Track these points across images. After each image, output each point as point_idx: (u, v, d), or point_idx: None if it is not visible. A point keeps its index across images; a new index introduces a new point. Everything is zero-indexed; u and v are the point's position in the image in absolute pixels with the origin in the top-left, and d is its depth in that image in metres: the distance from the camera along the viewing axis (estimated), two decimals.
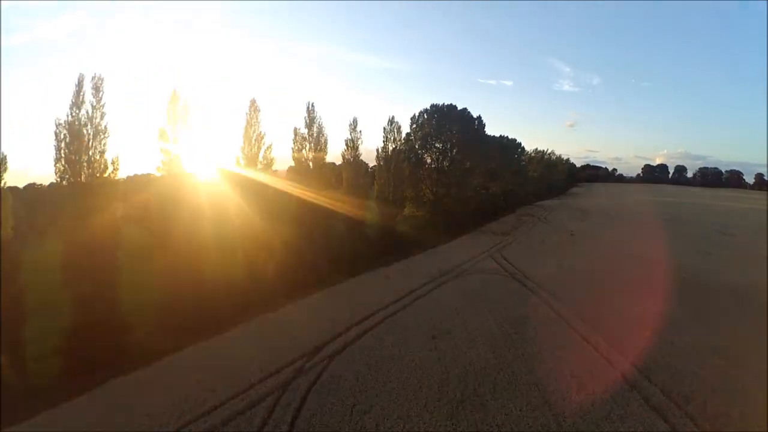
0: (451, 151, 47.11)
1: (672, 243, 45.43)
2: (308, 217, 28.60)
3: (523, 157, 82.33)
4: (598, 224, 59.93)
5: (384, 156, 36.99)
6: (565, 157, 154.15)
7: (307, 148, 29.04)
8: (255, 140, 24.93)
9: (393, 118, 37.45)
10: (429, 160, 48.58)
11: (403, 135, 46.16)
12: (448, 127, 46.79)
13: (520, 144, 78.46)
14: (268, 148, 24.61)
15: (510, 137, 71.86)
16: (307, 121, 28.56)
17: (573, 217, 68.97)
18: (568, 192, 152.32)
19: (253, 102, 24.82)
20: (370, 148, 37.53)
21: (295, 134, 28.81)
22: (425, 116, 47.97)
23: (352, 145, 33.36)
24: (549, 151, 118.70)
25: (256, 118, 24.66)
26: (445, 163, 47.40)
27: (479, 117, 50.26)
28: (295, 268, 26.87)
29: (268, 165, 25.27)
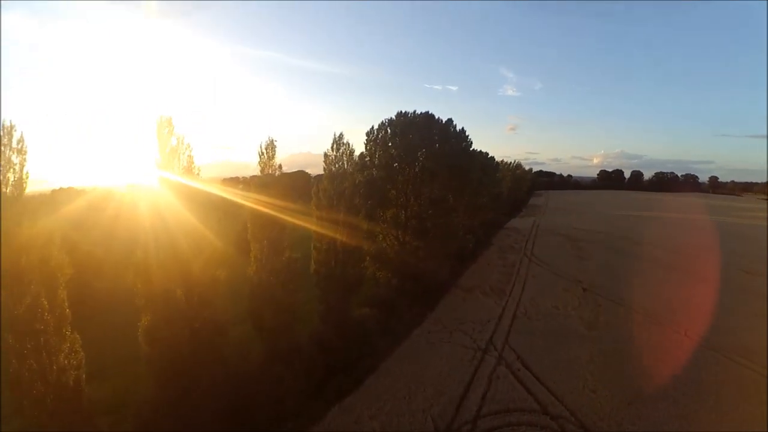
0: (428, 182, 33.36)
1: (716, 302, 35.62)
2: None
3: (497, 175, 70.85)
4: (602, 263, 49.34)
5: (326, 202, 22.48)
6: (527, 166, 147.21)
7: None
8: None
9: (340, 136, 23.13)
10: (394, 192, 34.54)
11: (356, 155, 32.55)
12: (423, 147, 32.96)
13: (493, 158, 66.73)
14: None
15: (482, 151, 59.16)
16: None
17: (563, 249, 58.69)
18: (529, 204, 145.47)
19: None
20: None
21: None
22: (388, 130, 33.91)
23: (262, 181, 19.15)
24: (516, 163, 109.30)
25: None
26: (416, 203, 33.55)
27: (463, 130, 36.99)
28: None
29: None
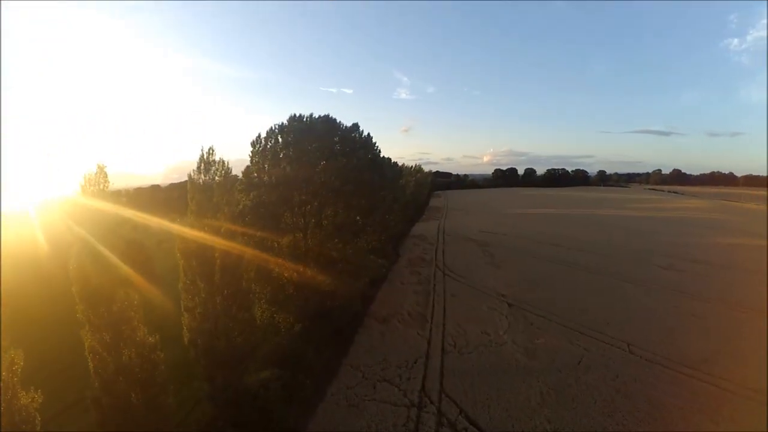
0: (331, 202, 28.12)
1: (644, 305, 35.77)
2: None
3: (401, 181, 68.02)
4: (518, 270, 48.66)
5: (197, 249, 16.19)
6: (422, 166, 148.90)
7: None
8: None
9: (209, 153, 16.79)
10: (289, 215, 28.78)
11: (241, 169, 26.46)
12: (324, 159, 27.59)
13: (396, 164, 63.91)
14: None
15: (388, 158, 55.66)
16: None
17: (475, 256, 57.19)
18: (430, 206, 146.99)
19: None
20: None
21: None
22: (279, 139, 27.97)
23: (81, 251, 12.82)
24: (417, 167, 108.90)
25: None
26: (318, 229, 28.05)
27: (369, 137, 32.30)
28: None
29: None
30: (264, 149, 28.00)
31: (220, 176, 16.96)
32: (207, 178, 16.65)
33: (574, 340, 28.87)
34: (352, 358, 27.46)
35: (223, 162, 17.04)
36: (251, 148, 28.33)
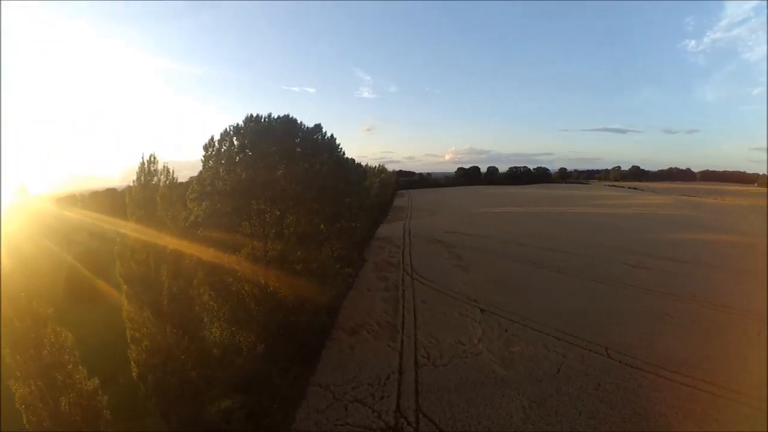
0: (292, 209, 26.22)
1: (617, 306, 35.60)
2: None
3: (365, 183, 66.40)
4: (488, 272, 48.14)
5: (139, 271, 14.07)
6: (384, 165, 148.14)
7: None
8: None
9: (150, 161, 14.59)
10: (247, 224, 26.70)
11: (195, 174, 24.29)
12: (284, 163, 25.63)
13: (360, 165, 62.34)
14: None
15: (352, 158, 53.89)
16: None
17: (442, 258, 56.44)
18: (394, 206, 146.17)
19: None
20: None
21: None
22: (234, 141, 25.80)
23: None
24: (381, 167, 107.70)
25: None
26: (279, 240, 26.01)
27: (333, 138, 30.60)
28: None
29: None
30: (218, 153, 25.77)
31: (164, 186, 14.88)
32: (147, 192, 14.47)
33: (550, 347, 28.22)
34: (320, 377, 25.71)
35: (168, 170, 14.96)
36: (203, 152, 26.02)
